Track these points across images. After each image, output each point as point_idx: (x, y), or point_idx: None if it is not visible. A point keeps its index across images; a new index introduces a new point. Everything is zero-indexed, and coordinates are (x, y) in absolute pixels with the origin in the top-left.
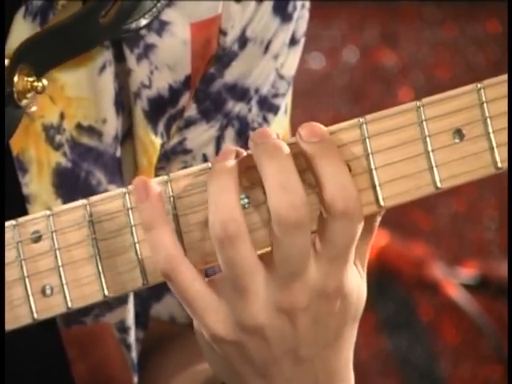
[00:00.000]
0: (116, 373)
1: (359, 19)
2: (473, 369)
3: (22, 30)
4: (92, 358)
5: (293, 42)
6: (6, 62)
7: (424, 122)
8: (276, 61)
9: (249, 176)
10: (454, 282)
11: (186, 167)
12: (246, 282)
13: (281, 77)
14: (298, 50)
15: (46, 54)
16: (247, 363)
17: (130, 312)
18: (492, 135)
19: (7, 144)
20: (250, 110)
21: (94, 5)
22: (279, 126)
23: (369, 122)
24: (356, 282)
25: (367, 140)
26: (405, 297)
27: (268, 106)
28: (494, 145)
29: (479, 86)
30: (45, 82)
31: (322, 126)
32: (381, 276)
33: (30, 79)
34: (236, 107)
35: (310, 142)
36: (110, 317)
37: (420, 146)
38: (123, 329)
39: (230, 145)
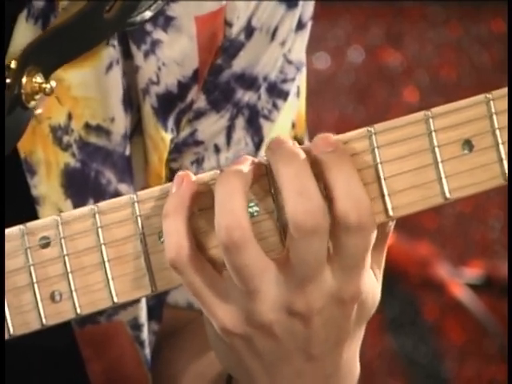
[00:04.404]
0: (131, 371)
1: (364, 19)
2: (478, 368)
3: (24, 32)
4: (106, 356)
5: (299, 26)
6: (14, 64)
7: (433, 133)
8: (283, 47)
9: (259, 184)
10: (460, 281)
11: (198, 158)
12: (255, 284)
13: (289, 62)
14: (306, 34)
15: (53, 54)
16: (255, 357)
17: (143, 309)
18: (501, 146)
19: (15, 146)
20: (259, 98)
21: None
22: (291, 110)
23: (378, 132)
24: (371, 285)
25: (376, 150)
26: (410, 296)
27: (277, 93)
28: (504, 156)
29: (488, 96)
30: (53, 83)
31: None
32: (386, 276)
33: (39, 81)
34: (245, 96)
35: (324, 152)
36: (124, 315)
37: (429, 156)
38: (136, 326)
39: (240, 134)
